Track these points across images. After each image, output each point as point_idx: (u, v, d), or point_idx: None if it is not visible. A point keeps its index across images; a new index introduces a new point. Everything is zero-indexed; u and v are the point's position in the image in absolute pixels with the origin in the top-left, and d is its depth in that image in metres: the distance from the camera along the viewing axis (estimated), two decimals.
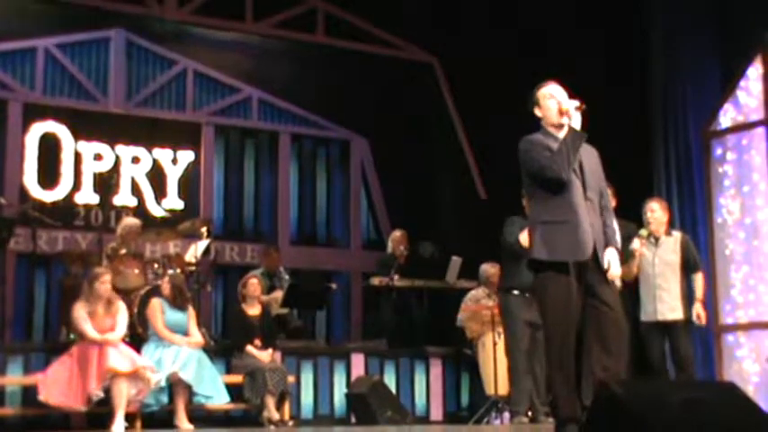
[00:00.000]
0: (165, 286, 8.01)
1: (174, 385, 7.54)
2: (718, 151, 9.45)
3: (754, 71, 9.27)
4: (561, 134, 4.98)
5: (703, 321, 7.43)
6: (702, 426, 3.77)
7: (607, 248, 4.97)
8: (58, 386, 7.19)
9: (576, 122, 4.95)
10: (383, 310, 9.84)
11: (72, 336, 7.97)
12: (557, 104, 5.02)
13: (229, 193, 11.58)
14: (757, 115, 9.21)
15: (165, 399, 7.60)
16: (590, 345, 4.89)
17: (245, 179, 11.71)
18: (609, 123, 8.37)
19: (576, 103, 4.99)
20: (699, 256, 7.75)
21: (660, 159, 9.88)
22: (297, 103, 11.85)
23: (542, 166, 4.88)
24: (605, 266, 4.93)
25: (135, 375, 7.25)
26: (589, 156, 5.06)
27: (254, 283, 8.53)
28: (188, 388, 7.55)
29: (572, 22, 10.35)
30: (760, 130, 9.16)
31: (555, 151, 4.88)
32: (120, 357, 7.25)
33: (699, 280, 7.47)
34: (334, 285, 10.38)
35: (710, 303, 8.64)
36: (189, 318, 7.97)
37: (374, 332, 9.97)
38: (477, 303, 8.94)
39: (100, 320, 7.42)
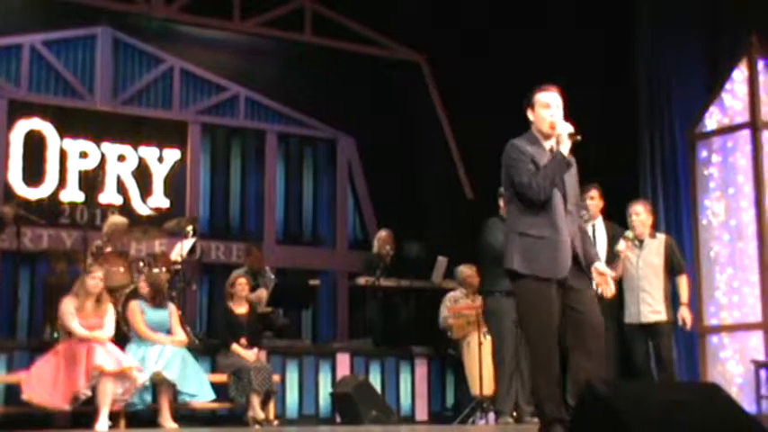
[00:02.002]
0: (143, 285, 7.99)
1: (158, 384, 7.52)
2: (704, 153, 9.48)
3: (740, 74, 9.30)
4: (549, 143, 4.94)
5: (689, 325, 7.46)
6: (686, 427, 3.78)
7: (592, 264, 4.96)
8: (42, 385, 7.15)
9: (565, 148, 4.86)
10: (369, 310, 9.84)
11: (56, 334, 7.94)
12: (550, 119, 4.94)
13: (215, 191, 11.57)
14: (742, 118, 9.25)
15: (149, 397, 7.58)
16: (570, 347, 4.91)
17: (231, 178, 11.70)
18: (595, 125, 8.39)
19: (571, 130, 4.88)
20: (683, 259, 7.78)
21: (646, 161, 9.90)
22: (284, 102, 11.85)
23: (523, 184, 4.84)
24: (596, 288, 4.94)
25: (121, 375, 7.22)
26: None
27: (242, 283, 8.52)
28: (172, 387, 7.53)
29: (560, 23, 10.36)
30: (745, 133, 9.19)
31: (539, 172, 4.83)
32: (108, 356, 7.22)
33: (683, 283, 7.49)
34: (317, 281, 10.36)
35: (695, 305, 8.67)
36: (171, 316, 7.95)
37: (360, 332, 9.98)
38: (456, 304, 8.97)
39: (88, 317, 7.39)
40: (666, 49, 9.89)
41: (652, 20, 9.99)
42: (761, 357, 8.71)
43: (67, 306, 7.38)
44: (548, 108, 4.96)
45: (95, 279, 7.49)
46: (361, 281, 9.84)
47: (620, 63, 10.01)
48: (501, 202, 6.59)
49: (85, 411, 7.29)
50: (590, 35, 10.02)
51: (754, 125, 9.11)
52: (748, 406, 8.24)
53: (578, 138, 4.88)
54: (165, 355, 7.56)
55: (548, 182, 4.83)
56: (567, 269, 4.86)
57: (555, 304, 4.84)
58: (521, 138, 5.02)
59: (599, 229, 7.63)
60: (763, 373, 8.62)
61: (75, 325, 7.30)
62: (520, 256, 4.90)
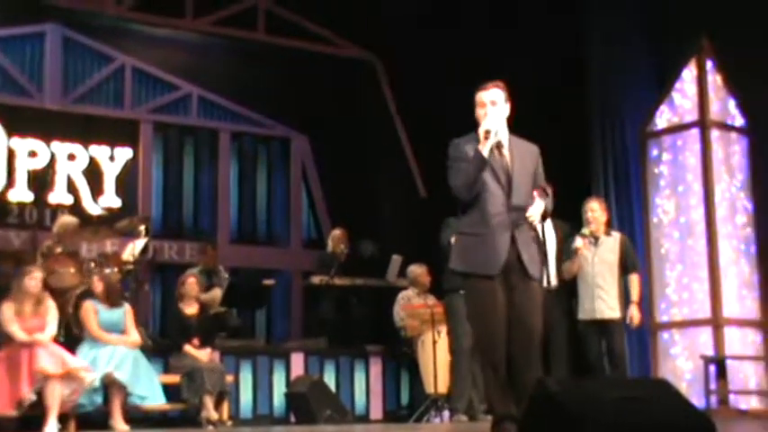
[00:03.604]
0: (98, 285, 7.89)
1: (109, 385, 7.42)
2: (654, 152, 9.58)
3: (689, 73, 9.43)
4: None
5: (636, 323, 7.53)
6: (636, 422, 3.82)
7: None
8: None
9: (484, 147, 4.82)
10: (323, 309, 9.81)
11: None
12: (483, 117, 4.94)
13: (168, 191, 11.49)
14: (692, 116, 9.37)
15: (99, 399, 7.45)
16: (509, 345, 4.90)
17: (184, 177, 11.62)
18: (547, 124, 8.47)
19: (487, 128, 4.83)
20: (637, 258, 7.85)
21: (598, 160, 9.99)
22: (237, 100, 11.79)
23: (451, 186, 4.93)
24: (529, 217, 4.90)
25: (68, 375, 7.11)
26: (524, 158, 4.99)
27: (191, 282, 8.44)
28: (123, 388, 7.44)
29: (510, 22, 10.42)
30: (694, 132, 9.32)
31: (462, 172, 4.86)
32: (51, 358, 7.08)
33: (634, 281, 7.56)
34: (271, 281, 10.32)
35: (646, 302, 8.77)
36: (126, 316, 7.86)
37: (314, 331, 9.95)
38: (410, 302, 8.99)
39: (27, 320, 7.23)
40: (618, 47, 9.98)
41: (602, 20, 10.08)
42: (710, 353, 8.83)
43: (5, 312, 7.19)
44: (482, 107, 4.98)
45: (34, 279, 7.33)
46: (316, 280, 9.82)
47: (571, 63, 10.07)
48: None
49: (34, 415, 7.16)
50: (542, 35, 10.08)
51: (703, 124, 9.24)
52: (697, 401, 8.35)
53: (490, 137, 4.82)
54: (117, 357, 7.47)
55: (462, 182, 4.85)
56: (499, 267, 4.83)
57: (499, 302, 4.84)
58: (465, 137, 5.02)
59: (548, 229, 7.66)
60: (711, 368, 8.74)
61: (14, 329, 7.14)
62: (457, 255, 4.99)
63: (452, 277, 7.50)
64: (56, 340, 7.41)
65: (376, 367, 9.31)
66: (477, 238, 4.88)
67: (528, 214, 4.86)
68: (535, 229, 5.00)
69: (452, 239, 7.12)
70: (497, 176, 4.88)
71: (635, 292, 7.52)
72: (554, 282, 6.97)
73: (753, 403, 9.02)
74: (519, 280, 4.89)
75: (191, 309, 8.34)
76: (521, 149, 5.01)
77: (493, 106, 4.95)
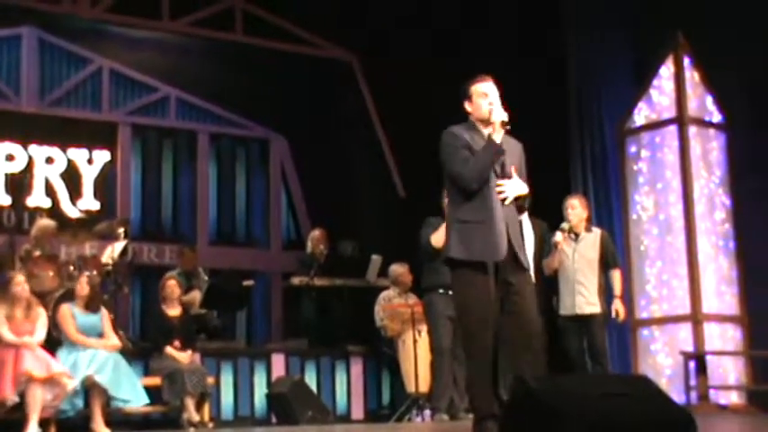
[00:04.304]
0: (84, 287, 7.85)
1: (90, 389, 7.39)
2: (633, 149, 9.63)
3: (666, 70, 9.47)
4: (487, 131, 4.95)
5: (621, 317, 7.56)
6: (617, 419, 3.83)
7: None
8: None
9: (498, 136, 4.90)
10: (304, 310, 9.79)
11: None
12: (488, 107, 4.95)
13: (147, 193, 11.44)
14: (669, 113, 9.42)
15: (80, 403, 7.43)
16: (506, 342, 4.91)
17: (162, 179, 11.57)
18: (526, 121, 8.47)
19: (504, 118, 4.90)
20: (617, 253, 7.88)
21: (577, 157, 10.03)
22: (215, 102, 11.75)
23: (456, 173, 4.89)
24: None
25: (51, 381, 7.09)
26: (512, 152, 5.04)
27: (172, 284, 8.42)
28: (104, 392, 7.41)
29: (488, 20, 10.43)
30: (672, 128, 9.36)
31: (473, 159, 4.86)
32: (36, 362, 7.08)
33: (616, 277, 7.59)
34: (251, 282, 10.30)
35: (626, 298, 8.80)
36: (104, 320, 7.82)
37: (295, 332, 9.93)
38: (390, 302, 8.99)
39: (19, 324, 7.26)
40: (596, 45, 10.02)
41: (580, 18, 10.12)
42: (690, 349, 8.87)
43: None
44: (485, 97, 5.00)
45: (20, 285, 7.36)
46: (296, 281, 9.80)
47: (551, 62, 10.10)
48: (445, 204, 6.56)
49: (14, 419, 7.13)
50: (522, 34, 10.11)
51: (680, 121, 9.29)
52: (677, 396, 8.39)
53: (508, 127, 4.91)
54: (97, 360, 7.44)
55: (477, 170, 4.85)
56: (503, 254, 4.86)
57: (492, 298, 4.85)
58: (458, 125, 5.03)
59: (526, 227, 7.67)
60: (691, 364, 8.79)
61: (3, 331, 7.16)
62: (456, 242, 4.91)
63: (431, 275, 7.55)
64: (39, 344, 7.37)
65: (357, 367, 9.30)
66: (482, 226, 4.86)
67: (501, 188, 4.89)
68: (521, 223, 5.02)
69: (432, 235, 7.24)
70: (494, 168, 4.93)
71: (617, 287, 7.54)
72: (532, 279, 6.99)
73: (732, 398, 9.08)
74: (512, 273, 4.90)
75: (173, 311, 8.32)
76: (509, 144, 5.05)
77: (495, 98, 5.00)
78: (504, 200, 4.91)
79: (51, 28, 10.91)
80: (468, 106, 5.05)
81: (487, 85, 5.04)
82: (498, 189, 4.90)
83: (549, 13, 10.07)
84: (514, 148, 5.10)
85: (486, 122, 4.97)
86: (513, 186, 4.94)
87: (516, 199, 4.94)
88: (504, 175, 4.95)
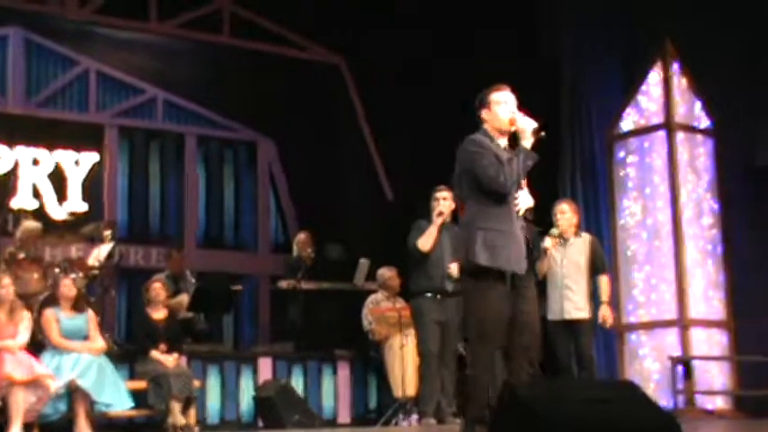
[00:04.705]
0: (71, 289, 7.80)
1: (74, 393, 7.34)
2: (621, 154, 9.64)
3: (655, 76, 9.49)
4: (503, 141, 4.95)
5: (609, 322, 7.55)
6: (603, 424, 3.82)
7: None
8: None
9: (528, 143, 4.89)
10: (291, 314, 9.77)
11: None
12: (510, 115, 4.94)
13: (134, 195, 11.39)
14: (657, 119, 9.44)
15: (63, 407, 7.36)
16: (512, 349, 4.91)
17: (150, 181, 11.52)
18: None
19: (535, 125, 4.89)
20: (605, 259, 7.87)
21: (566, 162, 10.04)
22: (203, 104, 11.71)
23: (490, 177, 4.83)
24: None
25: (34, 383, 7.03)
26: None
27: (157, 287, 8.38)
28: (87, 396, 7.36)
29: (481, 23, 10.42)
30: (660, 134, 9.38)
31: (505, 164, 4.83)
32: (18, 365, 7.01)
33: (604, 282, 7.57)
34: (239, 286, 10.26)
35: (614, 303, 8.79)
36: (89, 322, 7.77)
37: (282, 335, 9.90)
38: (378, 306, 8.97)
39: (2, 327, 7.19)
40: (585, 51, 10.03)
41: (573, 22, 10.13)
42: (677, 354, 8.88)
43: None
44: (505, 105, 4.98)
45: (4, 288, 7.30)
46: (283, 284, 9.77)
47: (541, 66, 10.10)
48: (458, 207, 6.53)
49: None
50: (511, 38, 10.10)
51: (668, 126, 9.31)
52: (665, 401, 8.39)
53: (542, 134, 4.90)
54: (81, 364, 7.39)
55: (513, 175, 4.84)
56: (524, 267, 4.90)
57: (507, 308, 4.85)
58: (476, 134, 5.00)
59: None
60: (679, 369, 8.79)
61: None
62: (484, 249, 4.84)
63: (419, 280, 7.54)
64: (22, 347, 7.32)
65: (344, 371, 9.27)
66: (506, 234, 4.86)
67: (517, 200, 4.92)
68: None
69: (419, 239, 7.23)
70: None
71: (605, 293, 7.53)
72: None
73: (719, 403, 9.09)
74: (525, 284, 4.94)
75: (158, 314, 8.27)
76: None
77: (514, 106, 4.99)
78: (517, 211, 4.92)
79: (38, 29, 10.86)
80: (485, 115, 5.02)
81: (506, 93, 5.03)
82: (520, 128, 4.91)
83: (543, 18, 10.07)
84: None
85: (504, 132, 4.96)
86: (525, 198, 4.97)
87: (535, 133, 4.93)
88: (519, 186, 4.96)
